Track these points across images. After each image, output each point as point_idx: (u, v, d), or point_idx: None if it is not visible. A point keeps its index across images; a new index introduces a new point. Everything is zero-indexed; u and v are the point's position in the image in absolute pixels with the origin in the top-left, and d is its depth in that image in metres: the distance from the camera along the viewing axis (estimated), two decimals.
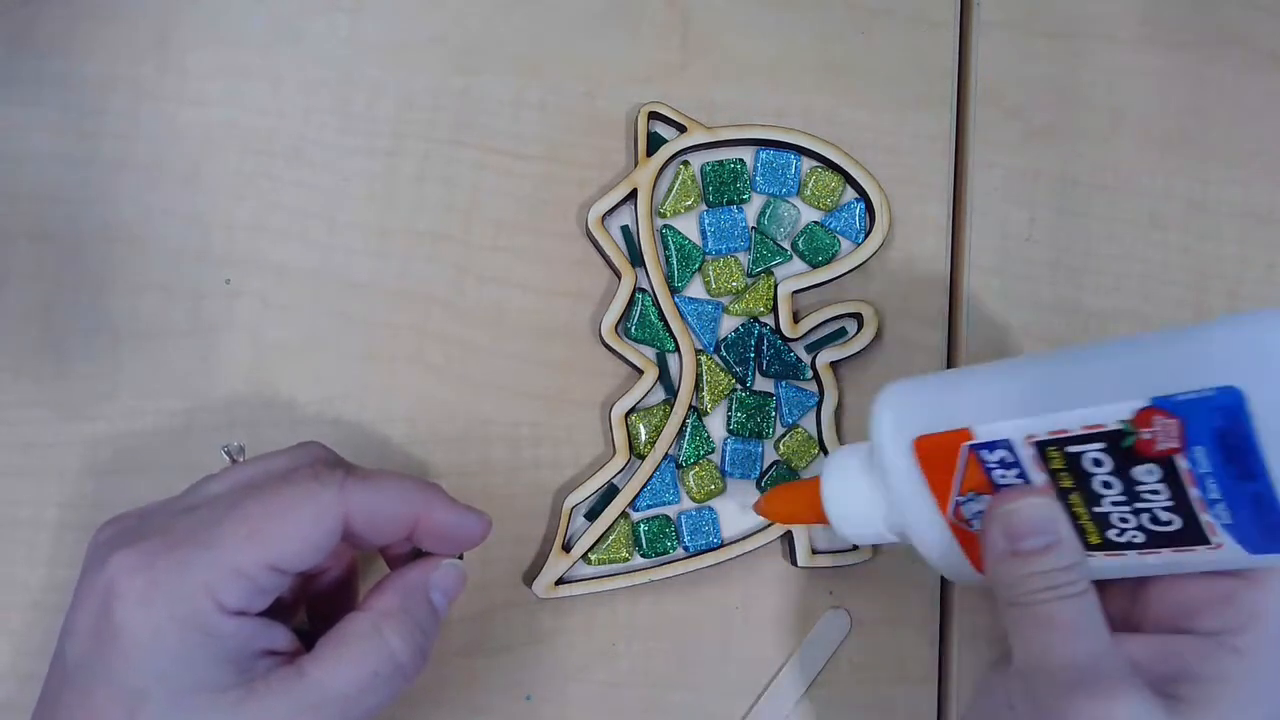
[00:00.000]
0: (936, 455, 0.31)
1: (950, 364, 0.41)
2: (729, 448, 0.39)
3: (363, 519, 0.29)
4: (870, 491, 0.33)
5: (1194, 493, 0.28)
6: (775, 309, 0.39)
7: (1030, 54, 0.43)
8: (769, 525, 0.38)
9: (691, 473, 0.39)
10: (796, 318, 0.40)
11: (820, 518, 0.34)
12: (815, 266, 0.40)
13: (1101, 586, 0.31)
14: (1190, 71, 0.44)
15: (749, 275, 0.40)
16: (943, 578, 0.40)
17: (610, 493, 0.38)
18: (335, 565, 0.33)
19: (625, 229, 0.39)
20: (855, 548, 0.39)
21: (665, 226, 0.39)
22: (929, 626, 0.40)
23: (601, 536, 0.38)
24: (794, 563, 0.39)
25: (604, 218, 0.39)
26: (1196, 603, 0.31)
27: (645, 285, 0.39)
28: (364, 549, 0.33)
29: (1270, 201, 0.43)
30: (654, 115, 0.39)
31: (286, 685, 0.28)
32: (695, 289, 0.39)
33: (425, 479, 0.32)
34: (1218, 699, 0.29)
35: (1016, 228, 0.42)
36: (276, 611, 0.30)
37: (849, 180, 0.40)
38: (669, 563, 0.38)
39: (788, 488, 0.36)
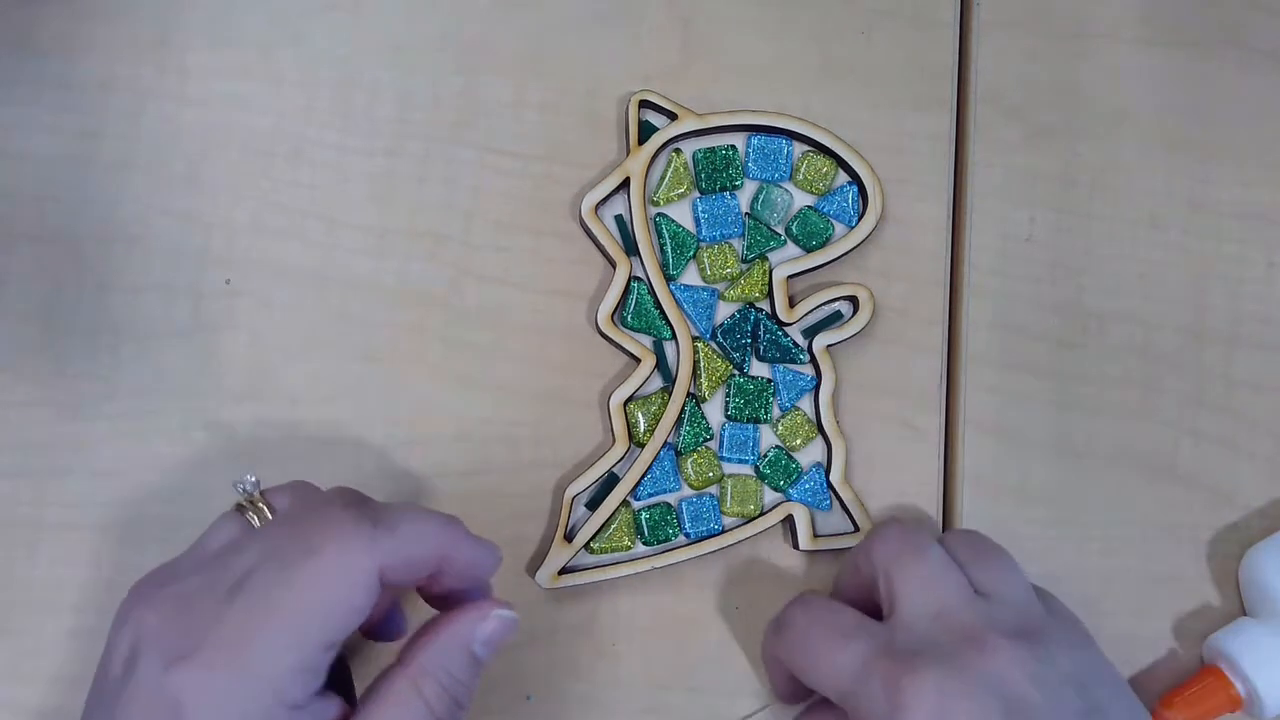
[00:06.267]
0: None
1: (950, 364, 0.41)
2: (727, 433, 0.39)
3: (394, 570, 0.29)
4: None
5: None
6: (771, 294, 0.40)
7: (1030, 54, 0.43)
8: (772, 510, 0.39)
9: (690, 460, 0.39)
10: (792, 302, 0.40)
11: (1236, 703, 0.37)
12: (809, 251, 0.40)
13: None
14: (1190, 71, 0.44)
15: (744, 261, 0.40)
16: None
17: (610, 481, 0.38)
18: (375, 609, 0.32)
19: (619, 218, 0.39)
20: (856, 529, 0.39)
21: (659, 214, 0.39)
22: None
23: (603, 525, 0.38)
24: (796, 546, 0.39)
25: (597, 207, 0.39)
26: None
27: (640, 274, 0.39)
28: (394, 590, 0.33)
29: (1270, 201, 0.43)
30: (645, 104, 0.39)
31: None
32: (690, 276, 0.40)
33: (443, 514, 0.31)
34: None
35: (1016, 228, 0.42)
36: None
37: (841, 164, 0.40)
38: (671, 550, 0.38)
39: (1186, 697, 0.38)
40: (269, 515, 0.31)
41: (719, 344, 0.39)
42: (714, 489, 0.39)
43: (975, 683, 0.30)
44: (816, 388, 0.40)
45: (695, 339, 0.39)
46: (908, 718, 0.30)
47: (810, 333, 0.40)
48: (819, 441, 0.40)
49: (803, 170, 0.40)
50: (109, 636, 0.29)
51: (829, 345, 0.40)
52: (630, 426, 0.38)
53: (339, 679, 0.32)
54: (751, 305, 0.40)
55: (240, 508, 0.31)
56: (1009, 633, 0.31)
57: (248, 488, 0.32)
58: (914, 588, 0.33)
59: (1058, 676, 0.31)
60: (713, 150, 0.40)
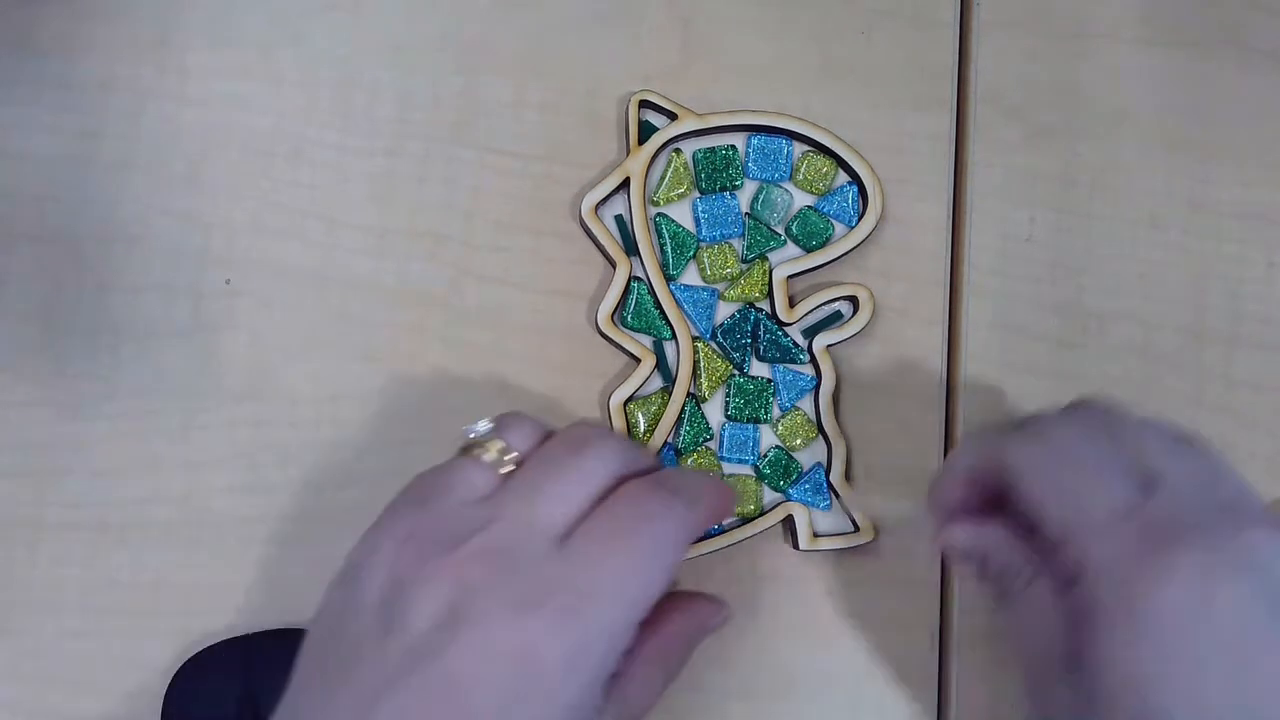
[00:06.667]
0: None
1: (950, 364, 0.41)
2: (727, 433, 0.39)
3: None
4: None
5: None
6: (771, 294, 0.40)
7: (1030, 54, 0.43)
8: (772, 509, 0.39)
9: (690, 460, 0.39)
10: (792, 302, 0.40)
11: None
12: (809, 251, 0.40)
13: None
14: (1190, 71, 0.43)
15: (743, 261, 0.40)
16: (942, 577, 0.40)
17: None
18: None
19: (619, 218, 0.39)
20: (857, 529, 0.39)
21: (659, 214, 0.39)
22: (929, 626, 0.40)
23: None
24: (795, 546, 0.39)
25: (597, 207, 0.39)
26: (1052, 548, 0.30)
27: (640, 274, 0.39)
28: None
29: (1270, 201, 0.43)
30: (645, 104, 0.39)
31: None
32: (690, 276, 0.40)
33: (720, 482, 0.34)
34: (1084, 638, 0.28)
35: (1016, 228, 0.42)
36: None
37: (841, 164, 0.40)
38: None
39: None
40: (514, 464, 0.31)
41: (719, 344, 0.39)
42: None
43: (1243, 568, 0.27)
44: (816, 388, 0.40)
45: (695, 339, 0.39)
46: (1161, 591, 0.27)
47: (810, 333, 0.40)
48: (819, 441, 0.40)
49: (803, 170, 0.40)
50: (381, 606, 0.28)
51: (829, 345, 0.40)
52: (630, 426, 0.38)
53: None
54: (751, 305, 0.40)
55: (473, 453, 0.31)
56: (1270, 523, 0.29)
57: (481, 434, 0.31)
58: (1167, 451, 0.31)
59: None
60: (713, 150, 0.40)
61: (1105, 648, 0.27)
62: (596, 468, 0.30)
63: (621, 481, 0.30)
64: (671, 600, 0.32)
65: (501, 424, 0.31)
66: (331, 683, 0.27)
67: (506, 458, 0.31)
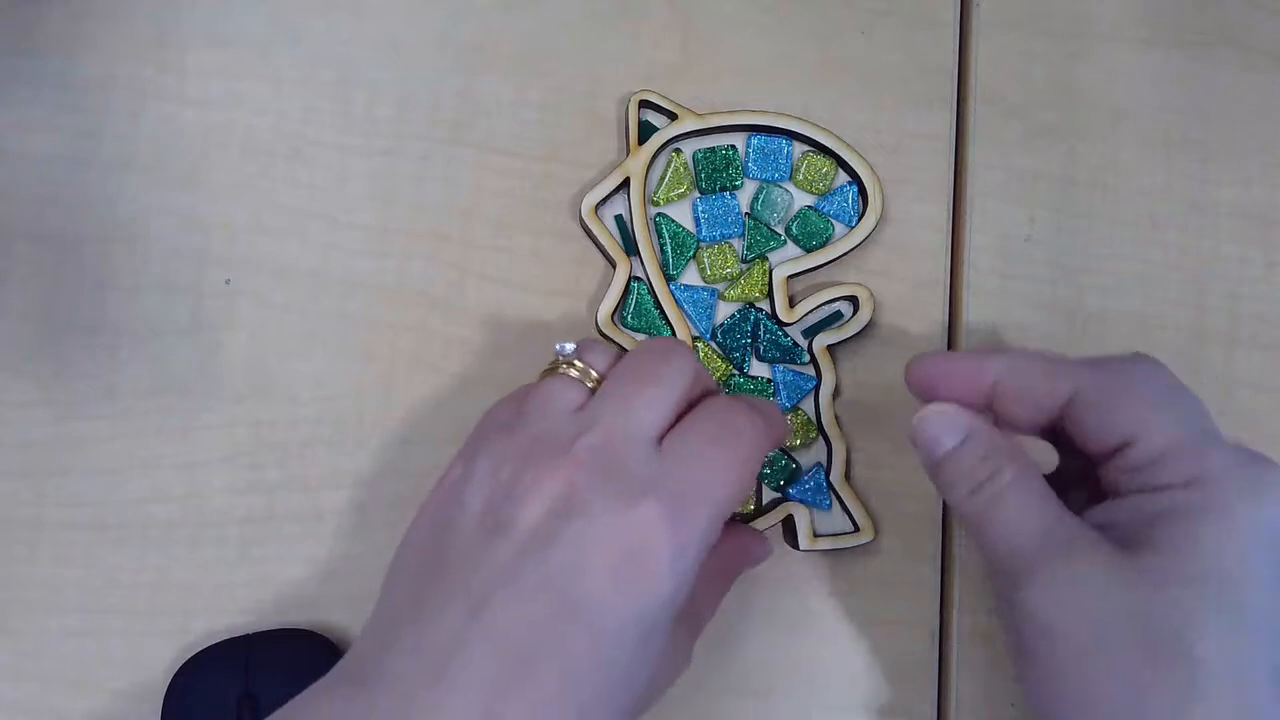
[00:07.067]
0: None
1: None
2: None
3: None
4: None
5: None
6: (771, 294, 0.40)
7: (1030, 54, 0.43)
8: (772, 509, 0.39)
9: None
10: (792, 302, 0.40)
11: None
12: (809, 251, 0.40)
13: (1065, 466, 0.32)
14: (1190, 71, 0.44)
15: (744, 261, 0.40)
16: (942, 577, 0.40)
17: None
18: None
19: (619, 218, 0.39)
20: (857, 529, 0.39)
21: (659, 215, 0.39)
22: (929, 626, 0.40)
23: None
24: (795, 546, 0.39)
25: (597, 207, 0.39)
26: (1155, 459, 0.30)
27: (640, 274, 0.39)
28: None
29: (1270, 201, 0.43)
30: (645, 104, 0.39)
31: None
32: (690, 276, 0.40)
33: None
34: (1176, 538, 0.29)
35: (1016, 228, 0.42)
36: None
37: (841, 164, 0.40)
38: None
39: None
40: (596, 382, 0.32)
41: (719, 344, 0.39)
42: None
43: None
44: (816, 388, 0.39)
45: (695, 339, 0.39)
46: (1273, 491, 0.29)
47: (810, 333, 0.40)
48: (819, 442, 0.40)
49: (803, 170, 0.40)
50: (486, 514, 0.29)
51: (829, 345, 0.40)
52: None
53: None
54: (751, 305, 0.40)
55: (559, 371, 0.32)
56: None
57: (567, 353, 0.32)
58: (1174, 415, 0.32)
59: None
60: (713, 150, 0.40)
61: (1216, 543, 0.28)
62: (679, 378, 0.31)
63: (700, 397, 0.32)
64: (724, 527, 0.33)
65: (581, 346, 0.33)
66: (434, 595, 0.28)
67: (592, 373, 0.32)
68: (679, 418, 0.31)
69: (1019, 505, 0.30)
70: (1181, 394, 0.32)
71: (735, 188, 0.40)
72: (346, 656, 0.29)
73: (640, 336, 0.39)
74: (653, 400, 0.31)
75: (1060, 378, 0.32)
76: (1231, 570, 0.28)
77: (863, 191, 0.40)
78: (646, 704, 0.31)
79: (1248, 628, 0.28)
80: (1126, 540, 0.29)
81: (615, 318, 0.39)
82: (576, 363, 0.32)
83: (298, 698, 0.28)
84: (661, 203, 0.39)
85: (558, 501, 0.28)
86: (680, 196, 0.40)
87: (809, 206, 0.40)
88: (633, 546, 0.28)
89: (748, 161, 0.40)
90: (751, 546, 0.36)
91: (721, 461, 0.30)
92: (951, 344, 0.41)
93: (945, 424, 0.32)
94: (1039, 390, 0.32)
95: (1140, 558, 0.29)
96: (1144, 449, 0.30)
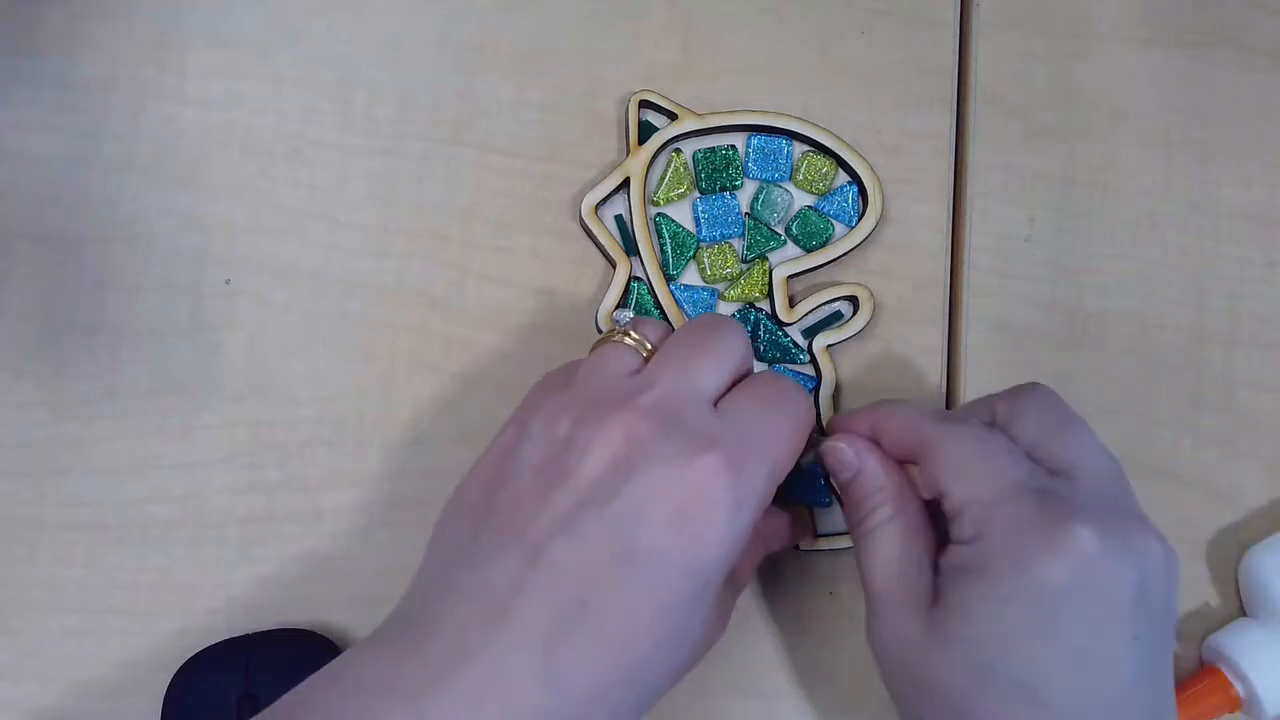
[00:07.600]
0: None
1: (950, 364, 0.41)
2: None
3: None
4: None
5: None
6: (771, 294, 0.40)
7: (1030, 54, 0.43)
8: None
9: None
10: (792, 302, 0.40)
11: (1235, 704, 0.37)
12: (809, 251, 0.40)
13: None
14: (1190, 71, 0.44)
15: (744, 261, 0.40)
16: None
17: None
18: None
19: (619, 218, 0.39)
20: None
21: (659, 215, 0.39)
22: None
23: None
24: (796, 546, 0.39)
25: (597, 207, 0.39)
26: (956, 513, 0.32)
27: (640, 274, 0.39)
28: None
29: (1270, 201, 0.43)
30: (645, 104, 0.39)
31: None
32: (690, 276, 0.40)
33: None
34: (955, 595, 0.30)
35: (1016, 228, 0.42)
36: None
37: (841, 164, 0.40)
38: None
39: (1185, 697, 0.38)
40: (651, 351, 0.33)
41: None
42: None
43: (1129, 554, 0.30)
44: (816, 388, 0.40)
45: None
46: (1059, 558, 0.29)
47: (810, 333, 0.40)
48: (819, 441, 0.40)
49: (803, 170, 0.40)
50: (545, 468, 0.29)
51: (829, 345, 0.40)
52: None
53: None
54: (751, 305, 0.40)
55: (614, 338, 0.33)
56: (1155, 534, 0.31)
57: (624, 322, 0.33)
58: (1089, 450, 0.33)
59: (1171, 580, 0.31)
60: (713, 150, 0.40)
61: (981, 604, 0.29)
62: (733, 349, 0.32)
63: (745, 373, 0.33)
64: None
65: (635, 320, 0.34)
66: (491, 545, 0.28)
67: (647, 344, 0.33)
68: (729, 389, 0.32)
69: (881, 546, 0.32)
70: (1009, 454, 0.32)
71: (735, 188, 0.40)
72: (396, 609, 0.29)
73: None
74: (709, 368, 0.31)
75: (908, 433, 0.34)
76: (991, 632, 0.29)
77: (863, 191, 0.40)
78: (686, 670, 0.31)
79: (996, 689, 0.29)
80: (940, 590, 0.31)
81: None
82: (632, 333, 0.33)
83: (352, 648, 0.28)
84: (661, 203, 0.39)
85: (618, 452, 0.28)
86: (680, 196, 0.40)
87: (809, 206, 0.40)
88: (694, 497, 0.28)
89: (748, 161, 0.40)
90: (787, 525, 0.37)
91: (776, 424, 0.31)
92: (951, 344, 0.41)
93: (841, 459, 0.34)
94: (892, 443, 0.34)
95: (936, 612, 0.31)
96: (949, 503, 0.32)
